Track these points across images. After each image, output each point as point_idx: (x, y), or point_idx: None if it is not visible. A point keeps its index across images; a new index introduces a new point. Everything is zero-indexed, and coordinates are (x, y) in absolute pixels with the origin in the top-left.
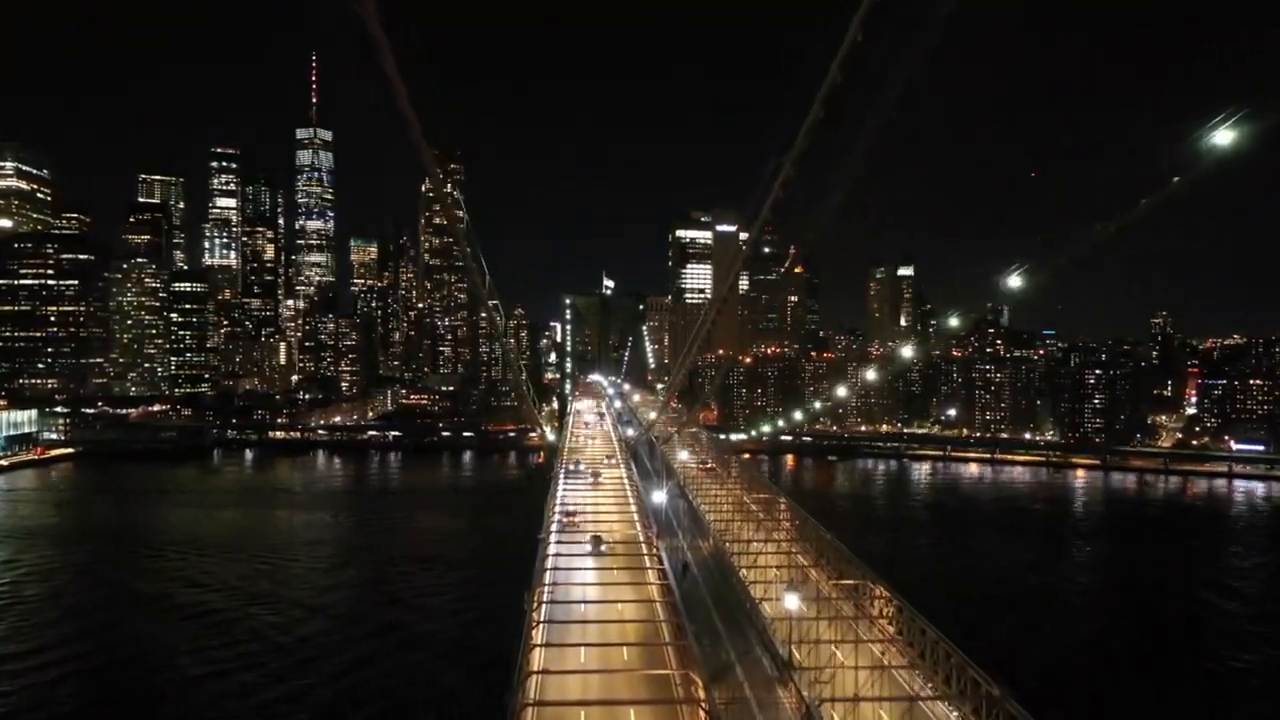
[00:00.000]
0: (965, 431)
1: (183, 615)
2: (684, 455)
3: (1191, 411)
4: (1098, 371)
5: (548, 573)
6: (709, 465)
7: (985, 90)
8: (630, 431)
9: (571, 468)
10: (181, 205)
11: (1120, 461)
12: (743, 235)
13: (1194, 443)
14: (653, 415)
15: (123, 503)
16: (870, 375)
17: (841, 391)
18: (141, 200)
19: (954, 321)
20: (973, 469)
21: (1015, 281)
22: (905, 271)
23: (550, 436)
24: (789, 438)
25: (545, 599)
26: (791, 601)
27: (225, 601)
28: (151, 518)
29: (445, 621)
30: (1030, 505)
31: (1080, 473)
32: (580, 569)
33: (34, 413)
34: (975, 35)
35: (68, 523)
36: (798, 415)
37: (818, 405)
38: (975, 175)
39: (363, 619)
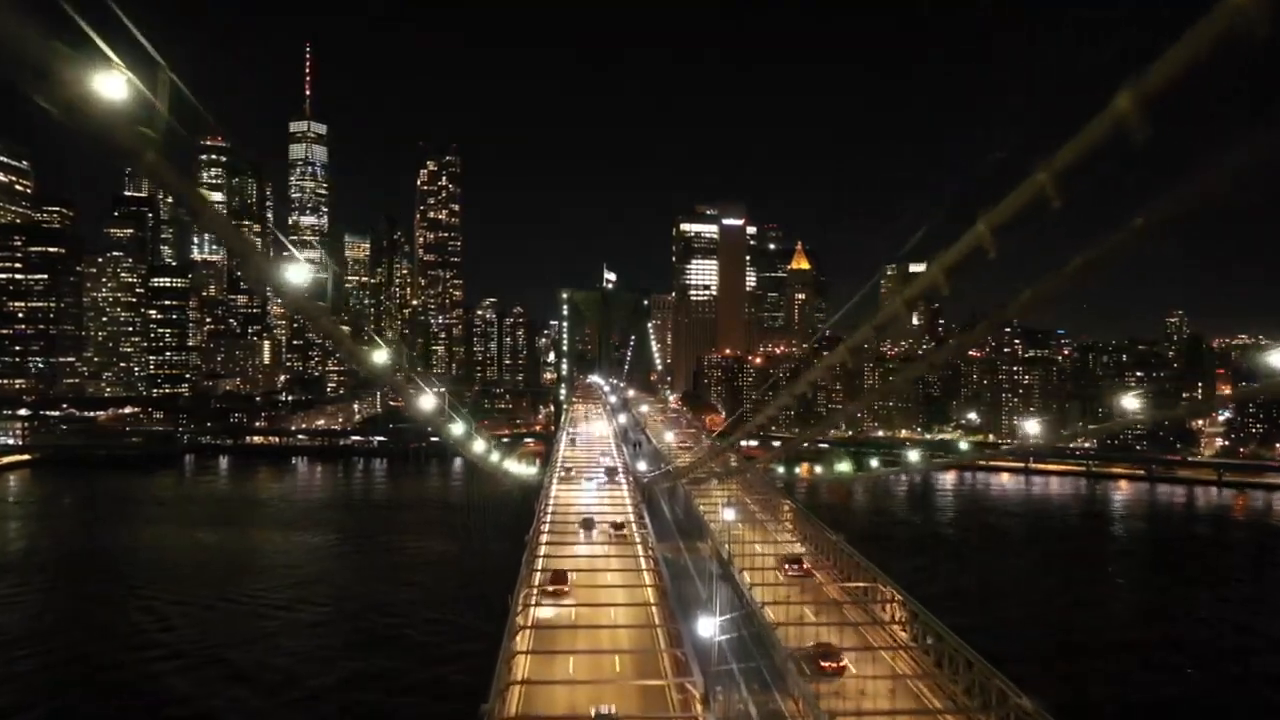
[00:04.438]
0: (991, 436)
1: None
2: (729, 514)
3: (1225, 415)
4: (1139, 373)
5: None
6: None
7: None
8: (643, 465)
9: None
10: (169, 199)
11: (1166, 472)
12: (750, 229)
13: (1241, 450)
14: (670, 437)
15: (72, 521)
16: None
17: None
18: (128, 194)
19: None
20: (1004, 479)
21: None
22: (917, 269)
23: (531, 469)
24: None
25: None
26: None
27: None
28: (100, 541)
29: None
30: (1086, 525)
31: (1124, 484)
32: None
33: None
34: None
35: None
36: (913, 455)
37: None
38: (974, 168)
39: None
